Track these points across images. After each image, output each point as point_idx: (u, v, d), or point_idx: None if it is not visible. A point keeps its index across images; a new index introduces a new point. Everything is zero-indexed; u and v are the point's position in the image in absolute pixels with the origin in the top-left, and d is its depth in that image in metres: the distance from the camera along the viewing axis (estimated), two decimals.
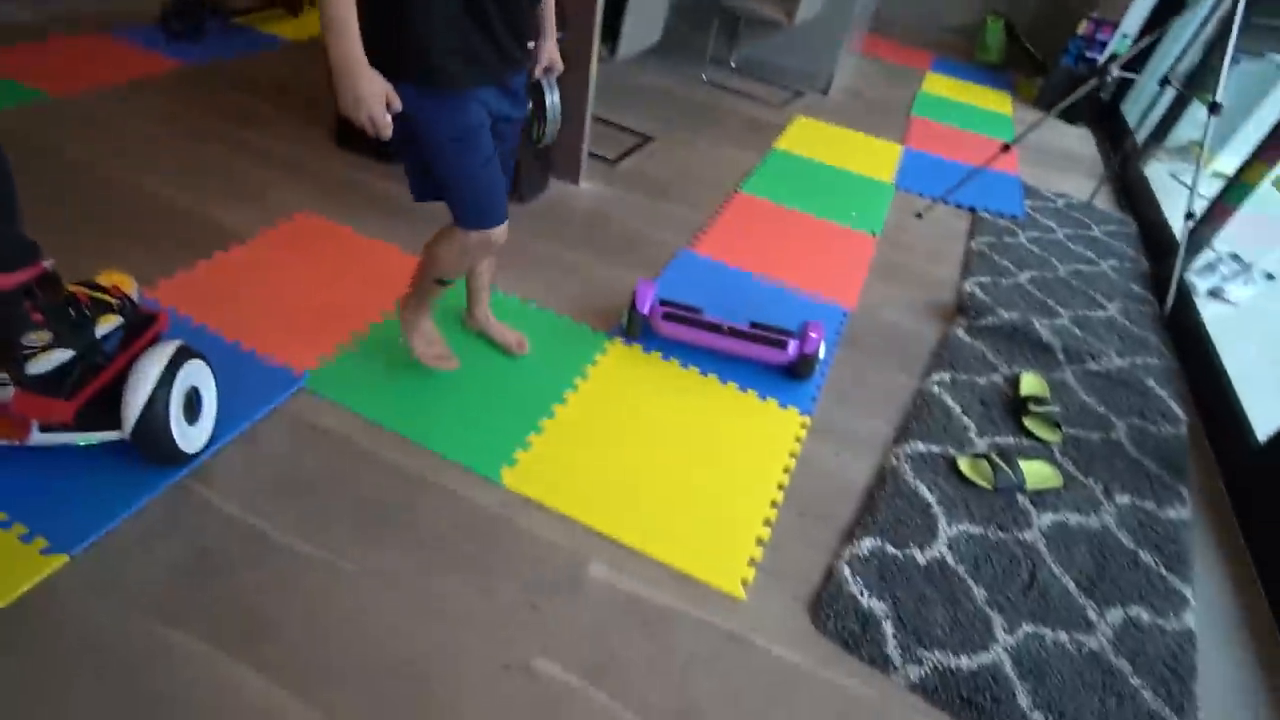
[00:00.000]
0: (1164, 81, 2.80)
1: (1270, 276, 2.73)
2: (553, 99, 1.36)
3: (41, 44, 2.82)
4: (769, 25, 3.50)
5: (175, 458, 1.26)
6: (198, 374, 1.33)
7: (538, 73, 1.35)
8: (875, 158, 3.18)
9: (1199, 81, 3.24)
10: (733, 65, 3.92)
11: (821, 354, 1.72)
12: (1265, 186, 3.77)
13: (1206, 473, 1.80)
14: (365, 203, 2.20)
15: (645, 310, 1.74)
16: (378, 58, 1.05)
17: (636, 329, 1.77)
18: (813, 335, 1.70)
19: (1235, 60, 3.98)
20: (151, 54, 2.94)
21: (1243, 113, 3.60)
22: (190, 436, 1.29)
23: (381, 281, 1.89)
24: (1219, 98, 2.16)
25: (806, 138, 3.25)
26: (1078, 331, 2.14)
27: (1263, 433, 1.75)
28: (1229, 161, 3.08)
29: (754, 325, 1.76)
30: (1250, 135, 3.03)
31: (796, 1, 3.16)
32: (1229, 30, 2.15)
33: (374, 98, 1.05)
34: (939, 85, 4.43)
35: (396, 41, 1.07)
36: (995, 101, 4.37)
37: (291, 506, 1.29)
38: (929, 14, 5.44)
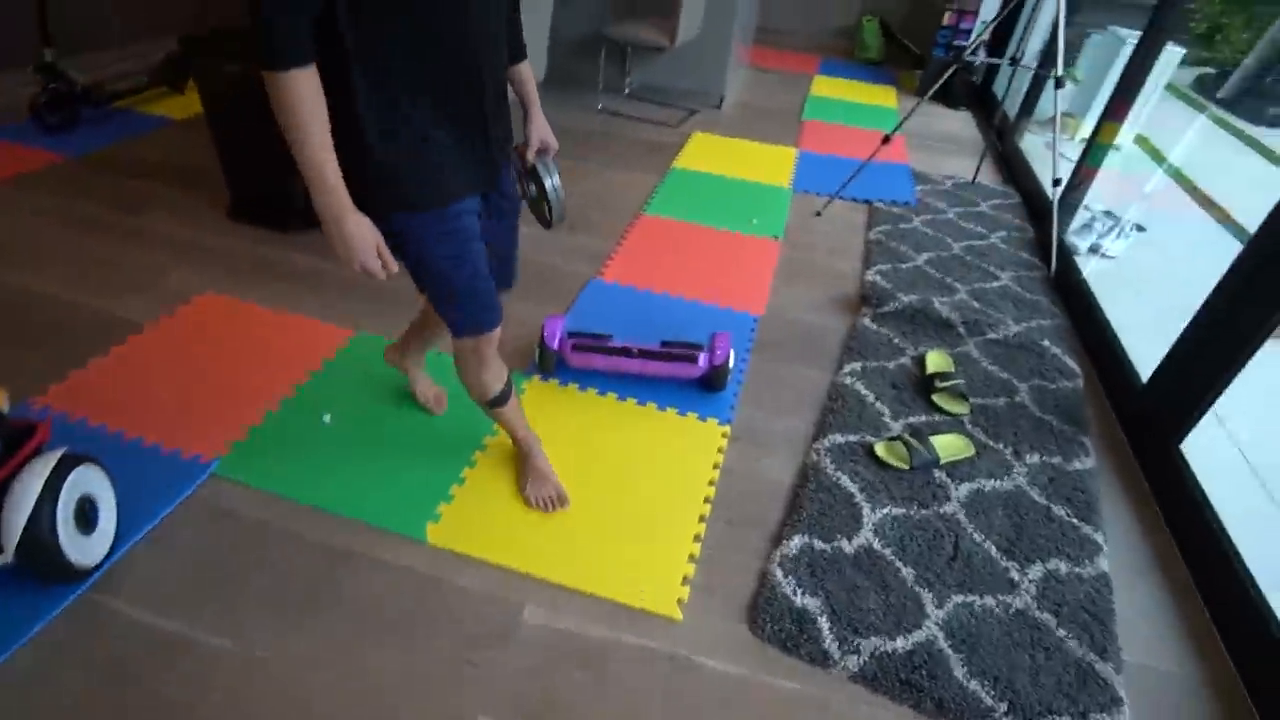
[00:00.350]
0: (1013, 61, 3.00)
1: (1140, 228, 2.93)
2: (553, 181, 1.27)
3: None
4: (654, 50, 3.61)
5: (71, 574, 1.20)
6: (90, 481, 1.27)
7: (531, 156, 1.27)
8: (771, 164, 3.30)
9: (1051, 59, 3.47)
10: (627, 92, 4.01)
11: (732, 362, 1.76)
12: (1129, 146, 4.09)
13: (1104, 420, 1.91)
14: (267, 275, 2.16)
15: (555, 345, 1.75)
16: (354, 189, 0.97)
17: (550, 364, 1.78)
18: (720, 346, 1.74)
19: (1086, 35, 4.32)
20: (29, 149, 2.83)
21: (1098, 81, 3.89)
22: (86, 548, 1.23)
23: (289, 354, 1.85)
24: (1061, 72, 2.32)
25: (704, 153, 3.34)
26: (976, 304, 2.26)
27: (1146, 373, 1.87)
28: (1092, 126, 3.32)
29: (664, 344, 1.79)
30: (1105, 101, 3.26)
31: (675, 25, 3.27)
32: (1064, 10, 2.32)
33: (363, 245, 0.98)
34: (826, 87, 4.63)
35: (369, 170, 0.99)
36: (880, 96, 4.58)
37: (207, 601, 1.24)
38: (809, 20, 5.69)
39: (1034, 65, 3.03)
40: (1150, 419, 1.79)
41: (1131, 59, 2.55)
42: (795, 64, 5.12)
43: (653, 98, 3.99)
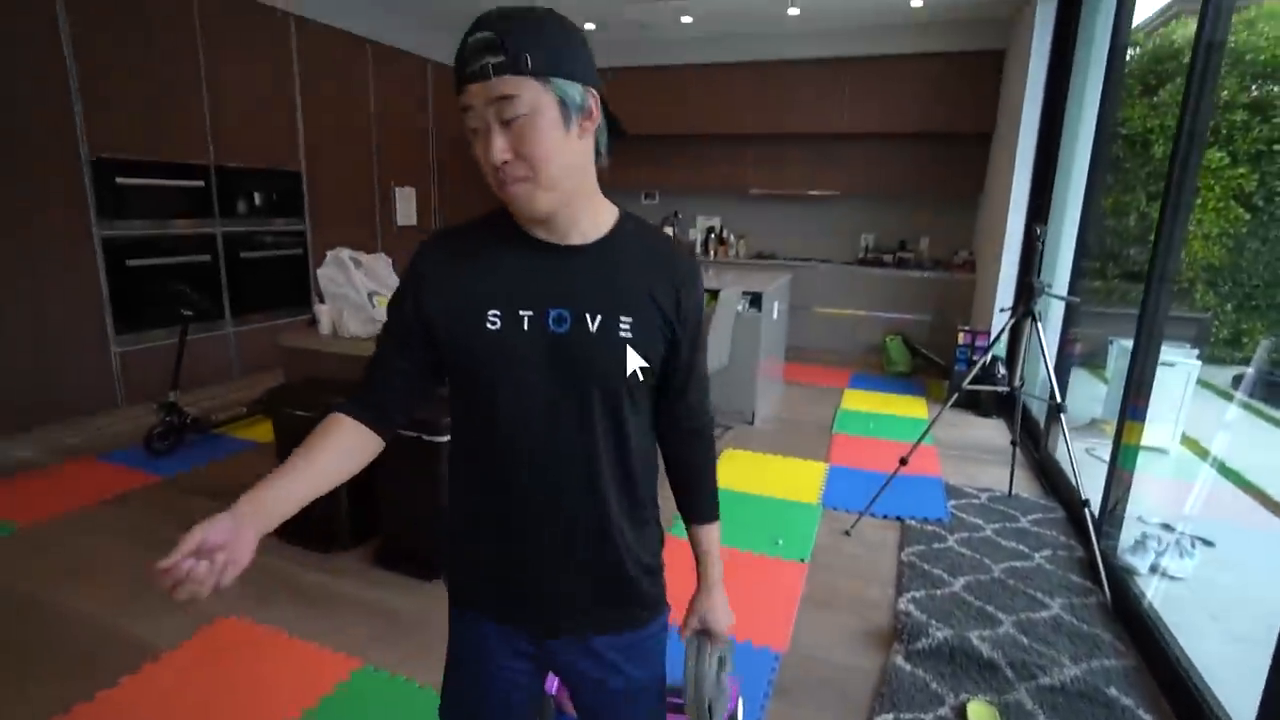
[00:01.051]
0: (1014, 391, 3.15)
1: (1206, 542, 2.73)
2: (699, 669, 1.01)
3: (23, 478, 3.10)
4: None
5: None
6: None
7: (686, 634, 1.07)
8: (801, 479, 3.37)
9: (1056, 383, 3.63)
10: None
11: (742, 715, 1.61)
12: (1177, 449, 4.01)
13: None
14: (294, 595, 2.24)
15: (553, 690, 1.67)
16: None
17: (549, 714, 1.68)
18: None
19: (1109, 341, 4.56)
20: (133, 471, 3.24)
21: (1120, 385, 4.00)
22: None
23: (290, 689, 1.84)
24: (1061, 400, 2.44)
25: (733, 470, 3.47)
26: (1023, 639, 2.06)
27: None
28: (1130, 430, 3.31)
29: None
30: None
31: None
32: (1057, 344, 2.52)
33: (193, 531, 0.75)
34: (857, 400, 4.90)
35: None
36: (911, 407, 4.78)
37: None
38: (837, 339, 6.26)
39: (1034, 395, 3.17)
40: None
41: (1131, 368, 2.64)
42: (826, 378, 5.51)
43: None
